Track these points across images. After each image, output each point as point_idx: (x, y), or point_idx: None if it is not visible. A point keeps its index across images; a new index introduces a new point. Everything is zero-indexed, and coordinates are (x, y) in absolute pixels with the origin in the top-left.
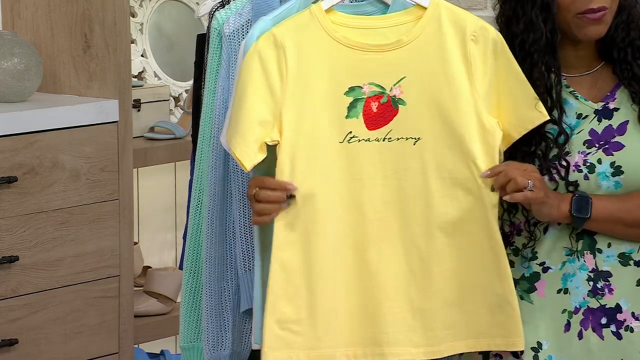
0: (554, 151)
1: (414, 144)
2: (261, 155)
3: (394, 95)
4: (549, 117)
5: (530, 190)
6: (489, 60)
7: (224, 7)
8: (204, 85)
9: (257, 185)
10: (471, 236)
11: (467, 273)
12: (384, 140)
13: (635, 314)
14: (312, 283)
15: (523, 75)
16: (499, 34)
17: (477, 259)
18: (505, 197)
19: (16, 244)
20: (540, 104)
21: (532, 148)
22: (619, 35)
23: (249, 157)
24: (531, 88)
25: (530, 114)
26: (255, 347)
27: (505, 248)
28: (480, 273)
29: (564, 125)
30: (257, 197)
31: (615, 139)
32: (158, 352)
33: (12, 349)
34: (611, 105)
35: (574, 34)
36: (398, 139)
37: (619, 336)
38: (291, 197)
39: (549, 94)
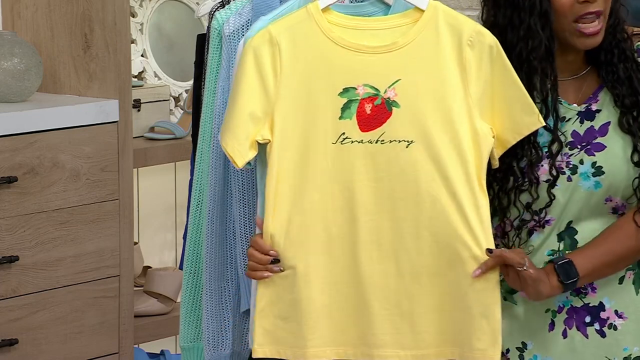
0: (541, 160)
1: (407, 147)
2: (252, 153)
3: (388, 98)
4: (544, 124)
5: (526, 269)
6: (484, 65)
7: (224, 7)
8: (204, 85)
9: (251, 243)
10: (460, 240)
11: (455, 278)
12: (376, 143)
13: (619, 312)
14: (303, 283)
15: (519, 81)
16: (495, 39)
17: (466, 264)
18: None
19: (16, 244)
20: (536, 109)
21: (522, 160)
22: (606, 38)
23: (241, 154)
24: (527, 94)
25: (526, 119)
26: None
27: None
28: (468, 280)
29: (558, 133)
30: (248, 256)
31: (597, 140)
32: (158, 352)
33: (12, 349)
34: (593, 107)
35: (571, 43)
36: (391, 142)
37: (602, 334)
38: (275, 261)
39: (544, 101)
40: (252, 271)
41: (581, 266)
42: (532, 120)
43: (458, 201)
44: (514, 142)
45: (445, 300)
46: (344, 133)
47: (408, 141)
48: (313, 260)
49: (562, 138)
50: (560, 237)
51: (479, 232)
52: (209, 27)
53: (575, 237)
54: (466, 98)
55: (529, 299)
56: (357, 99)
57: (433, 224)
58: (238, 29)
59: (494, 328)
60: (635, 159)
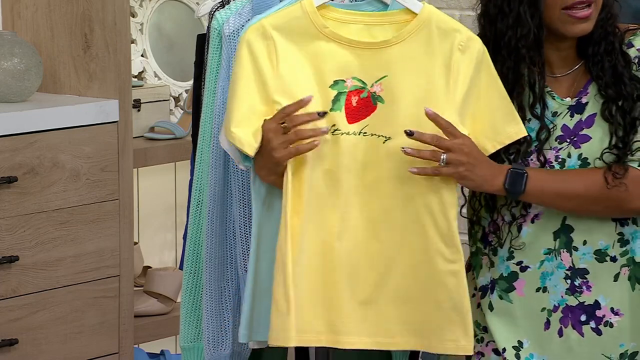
0: (531, 147)
1: (383, 143)
2: (257, 144)
3: (374, 92)
4: (526, 134)
5: (445, 166)
6: (472, 71)
7: (224, 7)
8: (204, 85)
9: (284, 116)
10: (429, 238)
11: (424, 272)
12: (359, 134)
13: (614, 309)
14: (293, 270)
15: (504, 90)
16: (484, 46)
17: (434, 260)
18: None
19: (16, 244)
20: (519, 119)
21: (511, 148)
22: (596, 31)
23: (249, 143)
24: (511, 103)
25: (508, 128)
26: (253, 346)
27: (485, 247)
28: (436, 274)
29: (546, 121)
30: (293, 122)
31: (583, 132)
32: (158, 352)
33: (12, 349)
34: (583, 100)
35: (560, 31)
36: (372, 135)
37: (598, 332)
38: (323, 114)
39: (532, 89)
40: (302, 139)
41: (532, 183)
42: (514, 130)
43: (427, 201)
44: (492, 151)
45: (415, 293)
46: (334, 125)
47: (386, 137)
48: (299, 249)
49: (554, 133)
50: (556, 235)
51: (444, 230)
52: (209, 27)
53: (571, 235)
54: (448, 102)
55: None
56: (345, 92)
57: (404, 222)
58: (238, 29)
59: (465, 320)
60: (612, 143)
